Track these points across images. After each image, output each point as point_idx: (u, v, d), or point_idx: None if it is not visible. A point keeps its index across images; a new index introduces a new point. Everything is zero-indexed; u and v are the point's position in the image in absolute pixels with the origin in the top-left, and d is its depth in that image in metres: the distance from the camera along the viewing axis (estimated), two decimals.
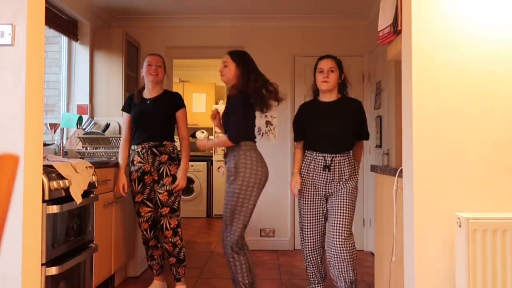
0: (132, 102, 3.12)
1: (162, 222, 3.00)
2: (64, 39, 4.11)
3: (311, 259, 2.85)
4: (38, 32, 1.97)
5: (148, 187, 3.05)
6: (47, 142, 3.41)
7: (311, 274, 2.89)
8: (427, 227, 1.87)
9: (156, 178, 3.01)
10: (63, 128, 3.69)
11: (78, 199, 2.36)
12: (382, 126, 4.13)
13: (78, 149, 3.74)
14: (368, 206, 4.54)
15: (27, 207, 1.85)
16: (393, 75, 3.65)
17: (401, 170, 2.18)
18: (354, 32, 4.69)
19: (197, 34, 4.75)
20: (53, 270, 2.12)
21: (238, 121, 2.65)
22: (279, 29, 4.74)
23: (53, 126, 3.40)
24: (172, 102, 3.09)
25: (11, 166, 0.81)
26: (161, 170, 2.99)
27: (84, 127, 3.96)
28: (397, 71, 3.50)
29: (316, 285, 2.90)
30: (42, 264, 2.08)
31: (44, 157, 2.48)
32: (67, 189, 2.30)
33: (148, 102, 3.07)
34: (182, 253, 3.06)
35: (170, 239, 3.01)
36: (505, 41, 1.89)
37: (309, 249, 2.83)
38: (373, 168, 2.95)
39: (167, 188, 2.98)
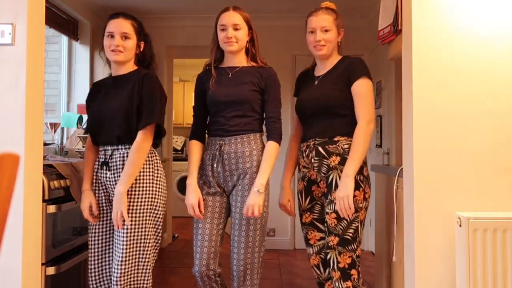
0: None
1: (329, 256, 2.04)
2: (64, 39, 4.11)
3: None
4: (38, 31, 1.96)
5: (319, 203, 2.15)
6: (47, 142, 3.40)
7: None
8: (427, 227, 1.87)
9: (325, 190, 2.08)
10: (64, 128, 3.69)
11: (78, 198, 2.36)
12: (382, 126, 4.13)
13: (79, 149, 3.74)
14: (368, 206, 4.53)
15: (27, 206, 1.85)
16: (393, 75, 3.65)
17: (401, 170, 2.17)
18: (354, 32, 4.67)
19: (197, 34, 4.75)
20: (53, 270, 2.12)
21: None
22: (279, 28, 4.74)
23: (54, 126, 3.40)
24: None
25: (11, 165, 0.81)
26: (330, 179, 2.03)
27: (84, 127, 3.96)
28: (397, 71, 3.49)
29: None
30: (42, 264, 2.08)
31: (44, 157, 2.47)
32: (67, 189, 2.30)
33: None
34: None
35: (336, 283, 1.99)
36: (506, 40, 1.88)
37: None
38: (373, 168, 2.95)
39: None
